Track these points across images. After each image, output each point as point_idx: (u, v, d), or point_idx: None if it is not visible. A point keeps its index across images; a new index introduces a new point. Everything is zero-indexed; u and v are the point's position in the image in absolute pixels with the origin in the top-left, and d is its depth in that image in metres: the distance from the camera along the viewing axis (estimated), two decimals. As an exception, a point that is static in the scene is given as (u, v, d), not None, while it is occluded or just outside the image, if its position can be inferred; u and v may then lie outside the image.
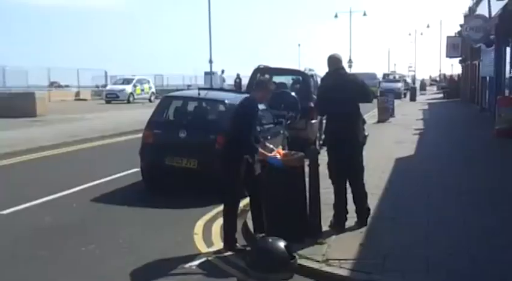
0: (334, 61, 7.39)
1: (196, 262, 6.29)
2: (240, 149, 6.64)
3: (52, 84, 46.49)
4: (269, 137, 10.71)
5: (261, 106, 11.24)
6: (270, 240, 5.84)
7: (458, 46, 40.52)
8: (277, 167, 6.64)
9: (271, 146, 7.16)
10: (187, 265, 6.19)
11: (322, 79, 7.82)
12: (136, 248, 6.79)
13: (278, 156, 6.78)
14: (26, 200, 8.90)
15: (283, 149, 10.54)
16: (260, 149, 6.79)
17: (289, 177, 6.67)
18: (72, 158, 13.95)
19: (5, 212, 8.31)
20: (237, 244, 6.69)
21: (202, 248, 6.80)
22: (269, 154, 6.77)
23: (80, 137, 16.89)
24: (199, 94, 10.34)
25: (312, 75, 15.25)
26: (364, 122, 7.60)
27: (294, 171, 6.69)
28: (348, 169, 7.28)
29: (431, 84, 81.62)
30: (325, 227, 6.93)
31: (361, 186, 7.38)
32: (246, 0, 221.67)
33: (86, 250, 6.65)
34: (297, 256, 5.92)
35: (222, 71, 47.91)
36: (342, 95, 7.06)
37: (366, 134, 7.54)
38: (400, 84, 51.45)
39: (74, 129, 18.91)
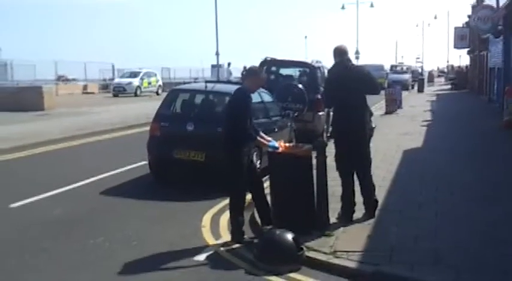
0: (340, 52, 7.38)
1: (204, 255, 6.31)
2: (238, 141, 6.67)
3: (59, 78, 46.52)
4: (276, 130, 10.74)
5: (268, 98, 11.33)
6: (278, 232, 5.87)
7: (466, 37, 40.38)
8: (276, 150, 6.82)
9: (270, 138, 7.19)
10: (195, 258, 6.22)
11: (329, 71, 7.81)
12: (144, 240, 6.83)
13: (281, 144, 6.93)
14: (35, 193, 8.94)
15: (290, 141, 10.61)
16: (258, 138, 6.90)
17: (297, 169, 6.68)
18: (80, 152, 14.00)
19: (14, 205, 8.36)
20: (245, 236, 6.70)
21: (210, 240, 6.83)
22: (266, 141, 6.90)
23: (87, 130, 16.94)
24: (206, 87, 10.34)
25: (319, 67, 15.22)
26: (371, 114, 7.60)
27: (301, 162, 6.69)
28: (355, 160, 7.28)
29: (439, 76, 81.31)
30: (332, 218, 6.94)
31: (369, 178, 7.38)
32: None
33: (95, 243, 6.69)
34: (304, 248, 5.95)
35: (229, 64, 47.84)
36: (348, 87, 7.07)
37: (373, 126, 7.55)
38: (407, 76, 51.32)
39: (82, 122, 18.95)
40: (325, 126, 14.46)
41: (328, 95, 7.75)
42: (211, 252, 6.41)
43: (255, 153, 9.53)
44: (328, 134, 13.11)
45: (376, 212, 7.33)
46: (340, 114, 7.32)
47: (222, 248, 6.51)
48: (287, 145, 7.39)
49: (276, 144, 6.85)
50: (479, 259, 5.77)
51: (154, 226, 7.45)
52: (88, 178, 10.15)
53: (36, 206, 8.42)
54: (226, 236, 6.92)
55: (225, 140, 6.85)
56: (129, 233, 7.08)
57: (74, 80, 49.27)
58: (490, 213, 7.41)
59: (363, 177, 7.35)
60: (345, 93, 7.08)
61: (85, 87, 44.54)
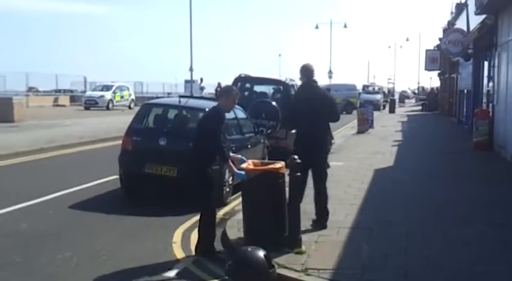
0: (307, 71, 7.75)
1: (175, 271, 6.25)
2: (207, 159, 6.68)
3: (30, 90, 46.04)
4: (249, 146, 10.74)
5: (241, 115, 11.33)
6: (250, 249, 5.81)
7: (437, 59, 41.08)
8: (242, 180, 6.80)
9: (239, 156, 7.25)
10: (165, 273, 6.15)
11: (297, 92, 8.26)
12: (113, 256, 6.72)
13: (250, 166, 6.87)
14: (2, 206, 8.76)
15: (263, 158, 10.62)
16: (229, 163, 6.83)
17: (269, 186, 6.67)
18: (49, 165, 13.79)
19: (-20, 218, 8.18)
20: (217, 252, 6.65)
21: (181, 256, 6.75)
22: (235, 169, 6.82)
23: (57, 143, 16.72)
24: (179, 102, 10.30)
25: (292, 85, 15.31)
26: (331, 137, 8.05)
27: (274, 179, 6.69)
28: (314, 174, 7.71)
29: (410, 97, 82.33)
30: (304, 236, 6.92)
31: (324, 190, 7.70)
32: (228, 10, 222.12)
33: (62, 257, 6.56)
34: (276, 265, 5.91)
35: (201, 80, 47.87)
36: (314, 111, 7.53)
37: (333, 142, 7.99)
38: (379, 96, 51.90)
39: (52, 135, 18.70)
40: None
41: (292, 115, 8.11)
42: (181, 268, 6.34)
43: (227, 170, 9.51)
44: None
45: (348, 231, 7.39)
46: (304, 134, 7.72)
47: (192, 265, 6.44)
48: (260, 161, 7.39)
49: (244, 174, 6.73)
50: (450, 278, 5.81)
51: (124, 241, 7.35)
52: (57, 192, 9.99)
53: (3, 219, 8.24)
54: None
55: (194, 158, 6.82)
56: (97, 248, 6.97)
57: (45, 92, 48.79)
58: (460, 232, 7.48)
59: (318, 189, 7.70)
60: (311, 116, 7.53)
61: (56, 99, 44.12)
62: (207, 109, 9.81)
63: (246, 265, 5.71)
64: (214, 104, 10.95)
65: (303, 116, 7.59)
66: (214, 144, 6.65)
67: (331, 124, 8.01)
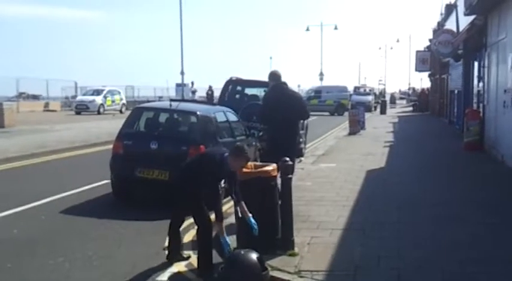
0: (274, 76, 8.58)
1: (167, 274, 6.22)
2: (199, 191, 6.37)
3: (21, 95, 45.81)
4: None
5: (233, 117, 11.32)
6: (242, 252, 5.81)
7: (427, 60, 41.22)
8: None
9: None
10: (157, 278, 6.13)
11: (267, 93, 8.84)
12: (106, 260, 6.69)
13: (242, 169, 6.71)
14: (-7, 212, 8.73)
15: (255, 160, 10.59)
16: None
17: (261, 188, 6.66)
18: (40, 170, 13.73)
19: (-30, 224, 8.12)
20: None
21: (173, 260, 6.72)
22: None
23: (48, 148, 16.66)
24: (170, 105, 10.28)
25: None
26: (300, 136, 8.53)
27: (266, 182, 6.68)
28: None
29: (400, 98, 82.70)
30: (297, 238, 6.92)
31: None
32: (219, 12, 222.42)
33: (55, 263, 6.53)
34: (269, 268, 5.91)
35: (192, 83, 47.92)
36: (283, 109, 8.05)
37: (302, 146, 8.33)
38: (370, 97, 52.08)
39: (43, 140, 18.62)
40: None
41: (264, 115, 8.67)
42: (174, 272, 6.32)
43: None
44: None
45: (340, 232, 7.40)
46: (274, 132, 8.18)
47: (185, 268, 6.42)
48: (252, 164, 7.37)
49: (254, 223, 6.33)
50: (443, 279, 5.82)
51: (116, 246, 7.32)
52: (49, 197, 9.94)
53: (-6, 225, 8.19)
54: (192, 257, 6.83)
55: (183, 184, 6.40)
56: (89, 253, 6.93)
57: (35, 97, 48.56)
58: (453, 233, 7.49)
59: None
60: (281, 113, 8.02)
61: (47, 104, 43.93)
62: (198, 112, 9.88)
63: (239, 268, 5.71)
64: (206, 107, 11.03)
65: (274, 113, 8.15)
66: (214, 189, 6.36)
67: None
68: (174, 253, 6.64)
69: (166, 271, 6.31)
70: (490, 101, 16.32)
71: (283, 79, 8.74)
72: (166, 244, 6.84)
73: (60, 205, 9.47)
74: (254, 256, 5.55)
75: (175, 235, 6.72)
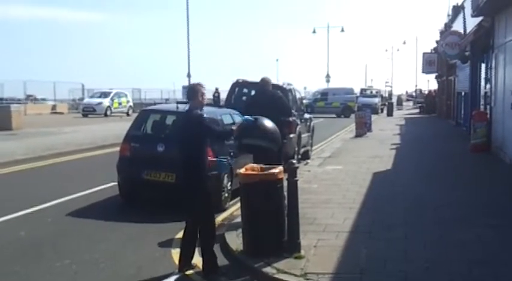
0: (262, 82, 9.36)
1: (174, 277, 6.23)
2: (203, 163, 6.41)
3: (28, 98, 46.05)
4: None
5: (239, 119, 11.30)
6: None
7: (434, 62, 41.17)
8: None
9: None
10: (164, 280, 6.12)
11: (248, 97, 9.46)
12: (112, 263, 6.71)
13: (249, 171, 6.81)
14: (1, 214, 8.77)
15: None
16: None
17: (267, 191, 6.65)
18: (48, 172, 13.78)
19: (-22, 226, 8.16)
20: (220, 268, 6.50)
21: (180, 263, 6.73)
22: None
23: (56, 150, 16.72)
24: (177, 108, 10.29)
25: (290, 90, 15.30)
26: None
27: (272, 184, 6.67)
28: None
29: (407, 100, 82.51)
30: (303, 241, 6.91)
31: None
32: (225, 14, 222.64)
33: (61, 265, 6.55)
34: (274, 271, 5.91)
35: (200, 85, 47.93)
36: (264, 110, 8.13)
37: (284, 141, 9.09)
38: (377, 100, 51.94)
39: (50, 143, 18.70)
40: (296, 148, 14.50)
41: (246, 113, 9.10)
42: (180, 275, 6.31)
43: (225, 175, 9.52)
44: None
45: (347, 234, 7.38)
46: None
47: (191, 271, 6.42)
48: (258, 166, 7.37)
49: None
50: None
51: (123, 248, 7.33)
52: (55, 199, 9.98)
53: (1, 228, 8.23)
54: (196, 259, 6.82)
55: (192, 165, 6.37)
56: (96, 256, 6.95)
57: (43, 99, 48.81)
58: (460, 235, 7.46)
59: None
60: (263, 112, 8.04)
61: (54, 107, 44.15)
62: (204, 115, 9.88)
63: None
64: (212, 109, 11.04)
65: (254, 111, 8.31)
66: (218, 134, 6.77)
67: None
68: (185, 263, 6.44)
69: (173, 274, 6.31)
70: (497, 102, 16.26)
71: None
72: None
73: (67, 207, 9.50)
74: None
75: (189, 243, 6.48)
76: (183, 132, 6.57)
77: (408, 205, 9.33)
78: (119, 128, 19.54)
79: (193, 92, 6.66)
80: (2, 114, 24.70)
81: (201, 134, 6.39)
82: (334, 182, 11.70)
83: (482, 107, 19.66)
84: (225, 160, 6.73)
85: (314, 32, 63.76)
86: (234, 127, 6.83)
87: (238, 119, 11.19)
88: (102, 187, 11.16)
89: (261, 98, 9.23)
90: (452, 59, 27.73)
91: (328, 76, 62.29)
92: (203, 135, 6.44)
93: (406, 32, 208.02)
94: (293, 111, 13.35)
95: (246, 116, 6.92)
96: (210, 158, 6.82)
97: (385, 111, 47.65)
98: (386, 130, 27.24)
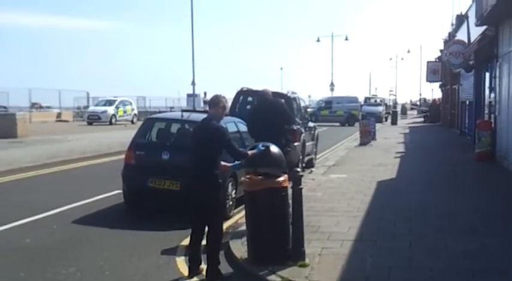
0: (262, 93, 9.65)
1: (179, 285, 6.24)
2: (215, 166, 6.50)
3: (33, 105, 46.17)
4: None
5: (244, 128, 11.34)
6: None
7: (438, 71, 41.17)
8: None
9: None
10: (169, 288, 6.15)
11: (253, 105, 9.74)
12: (117, 270, 6.73)
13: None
14: (6, 221, 8.80)
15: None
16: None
17: (272, 199, 6.67)
18: (53, 180, 13.82)
19: (-16, 233, 8.19)
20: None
21: (185, 271, 6.72)
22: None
23: (61, 158, 16.77)
24: (182, 116, 10.35)
25: (294, 98, 15.34)
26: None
27: (277, 193, 6.69)
28: None
29: (412, 109, 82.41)
30: (308, 249, 6.92)
31: None
32: (229, 23, 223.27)
33: (66, 273, 6.57)
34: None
35: (205, 94, 48.06)
36: (265, 119, 8.68)
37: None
38: (381, 108, 51.94)
39: (56, 150, 18.76)
40: (301, 157, 14.52)
41: (249, 127, 9.55)
42: (185, 282, 6.34)
43: (230, 183, 9.54)
44: (304, 164, 13.24)
45: (351, 243, 7.39)
46: (261, 138, 8.15)
47: (196, 278, 6.44)
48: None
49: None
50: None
51: (128, 256, 7.35)
52: (60, 206, 10.01)
53: (7, 235, 8.26)
54: (200, 267, 6.84)
55: (202, 167, 6.49)
56: (101, 263, 6.98)
57: (48, 107, 48.94)
58: (464, 244, 7.47)
59: None
60: (264, 121, 8.67)
61: (59, 115, 44.25)
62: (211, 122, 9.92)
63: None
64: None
65: (258, 123, 8.86)
66: (234, 153, 6.78)
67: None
68: (195, 268, 6.51)
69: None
70: (502, 111, 16.27)
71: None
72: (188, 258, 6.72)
73: (72, 214, 9.53)
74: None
75: (196, 250, 6.58)
76: (197, 139, 6.66)
77: (413, 214, 9.33)
78: (123, 136, 19.60)
79: (215, 102, 6.76)
80: (7, 122, 24.80)
81: (220, 146, 6.52)
82: (339, 190, 11.71)
83: (486, 116, 19.67)
84: (238, 164, 6.83)
85: (318, 40, 64.00)
86: (249, 152, 6.84)
87: (242, 127, 11.24)
88: (107, 194, 11.19)
89: (261, 106, 9.44)
90: (456, 68, 27.74)
91: (332, 85, 62.42)
92: (222, 147, 6.55)
93: (410, 41, 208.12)
94: (297, 119, 13.37)
95: (259, 145, 6.88)
96: (226, 164, 6.85)
97: (389, 120, 47.63)
98: (391, 139, 27.23)
